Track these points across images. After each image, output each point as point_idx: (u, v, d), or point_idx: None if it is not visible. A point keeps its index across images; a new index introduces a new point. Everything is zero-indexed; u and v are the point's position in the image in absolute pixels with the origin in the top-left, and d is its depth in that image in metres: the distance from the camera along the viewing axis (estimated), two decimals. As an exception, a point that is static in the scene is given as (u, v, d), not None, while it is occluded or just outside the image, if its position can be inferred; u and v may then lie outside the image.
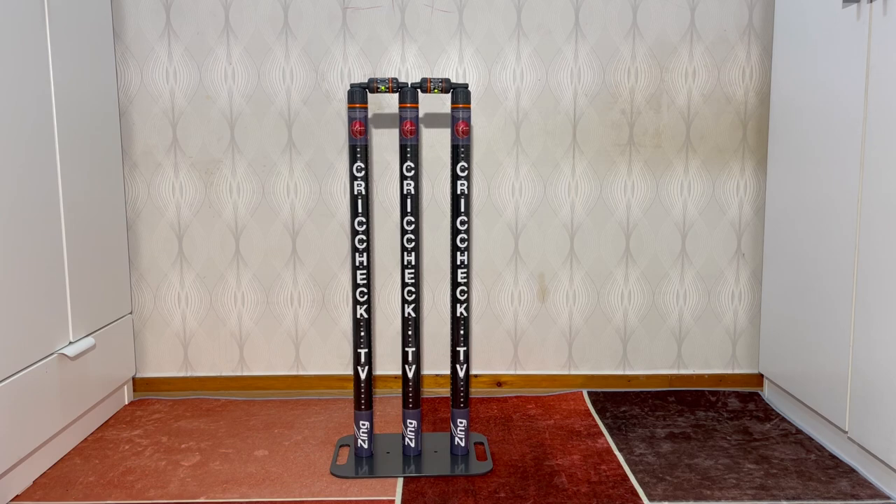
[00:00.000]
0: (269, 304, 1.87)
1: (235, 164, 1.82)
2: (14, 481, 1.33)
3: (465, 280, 1.43)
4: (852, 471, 1.41)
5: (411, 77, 1.80)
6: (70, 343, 1.50)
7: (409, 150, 1.38)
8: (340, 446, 1.53)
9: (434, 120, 1.81)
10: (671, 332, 1.90)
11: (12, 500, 1.31)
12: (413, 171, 1.39)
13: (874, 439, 1.34)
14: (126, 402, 1.81)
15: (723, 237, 1.86)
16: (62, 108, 1.47)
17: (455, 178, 1.40)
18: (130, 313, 1.80)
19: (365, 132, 1.38)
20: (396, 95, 1.79)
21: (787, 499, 1.29)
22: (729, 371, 1.91)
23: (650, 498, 1.29)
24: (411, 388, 1.45)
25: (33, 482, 1.38)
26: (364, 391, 1.44)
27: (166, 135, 1.81)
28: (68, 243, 1.49)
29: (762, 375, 1.90)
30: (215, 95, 1.80)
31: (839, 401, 1.45)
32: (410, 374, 1.45)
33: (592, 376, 1.91)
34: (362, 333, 1.43)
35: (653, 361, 1.91)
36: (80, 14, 1.55)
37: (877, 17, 1.31)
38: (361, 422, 1.45)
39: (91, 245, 1.59)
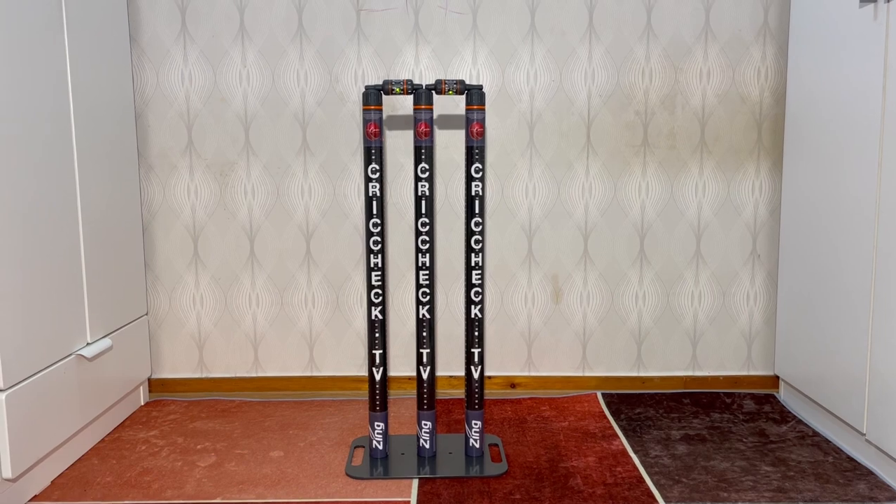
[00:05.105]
0: (283, 305, 1.87)
1: (250, 165, 1.83)
2: (32, 481, 1.34)
3: (480, 281, 1.43)
4: (870, 473, 1.40)
5: (425, 79, 1.81)
6: (87, 344, 1.51)
7: (424, 152, 1.39)
8: (355, 447, 1.53)
9: (447, 121, 1.82)
10: (686, 334, 1.89)
11: (31, 500, 1.32)
12: (427, 173, 1.39)
13: (893, 441, 1.33)
14: (142, 403, 1.82)
15: (738, 238, 1.85)
16: (79, 111, 1.48)
17: (469, 179, 1.40)
18: (146, 315, 1.81)
19: (380, 134, 1.38)
20: (411, 97, 1.80)
21: (805, 501, 1.28)
22: (744, 373, 1.90)
23: (666, 500, 1.29)
24: (426, 390, 1.45)
25: (51, 482, 1.39)
26: (379, 392, 1.45)
27: (181, 137, 1.82)
28: (85, 245, 1.50)
29: (778, 377, 1.88)
30: (230, 98, 1.81)
31: (857, 403, 1.44)
32: (425, 376, 1.45)
33: (607, 378, 1.90)
34: (377, 335, 1.43)
35: (667, 363, 1.90)
36: (97, 18, 1.56)
37: (894, 17, 1.30)
38: (376, 423, 1.45)
39: (107, 247, 1.60)
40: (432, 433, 1.47)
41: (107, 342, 1.56)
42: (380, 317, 1.43)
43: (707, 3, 1.78)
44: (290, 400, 1.85)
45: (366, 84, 1.74)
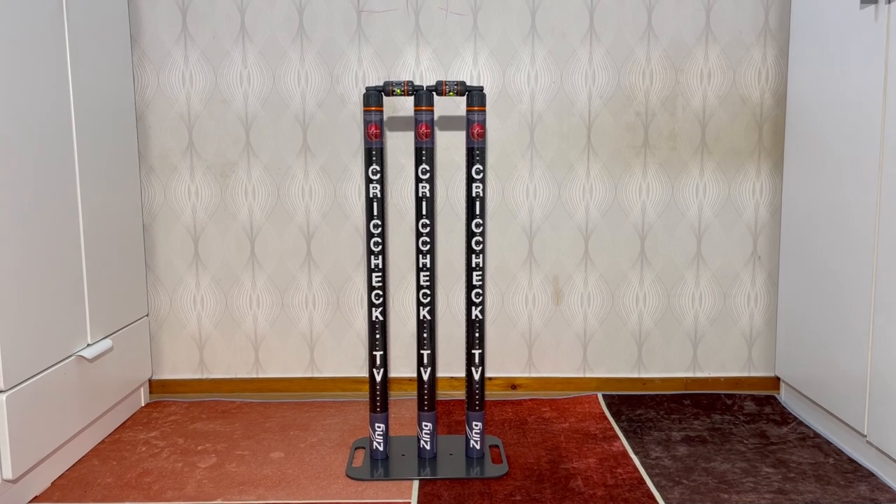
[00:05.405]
0: (283, 306, 1.87)
1: (251, 167, 1.83)
2: (33, 483, 1.34)
3: (480, 283, 1.43)
4: (871, 475, 1.40)
5: (426, 80, 1.81)
6: (88, 345, 1.51)
7: (425, 153, 1.39)
8: (356, 448, 1.53)
9: (448, 123, 1.82)
10: (686, 335, 1.89)
11: (31, 501, 1.32)
12: (428, 174, 1.39)
13: (894, 443, 1.33)
14: (143, 404, 1.82)
15: (739, 239, 1.85)
16: (80, 113, 1.48)
17: (470, 180, 1.40)
18: (146, 316, 1.81)
19: (380, 135, 1.38)
20: (411, 98, 1.80)
21: (806, 503, 1.28)
22: (745, 374, 1.90)
23: (667, 501, 1.29)
24: (427, 391, 1.45)
25: (52, 483, 1.39)
26: (379, 393, 1.45)
27: (182, 138, 1.82)
28: (86, 246, 1.50)
29: (779, 378, 1.88)
30: (231, 99, 1.81)
31: (858, 404, 1.44)
32: (426, 377, 1.45)
33: (607, 379, 1.90)
34: (377, 336, 1.43)
35: (668, 364, 1.90)
36: (98, 19, 1.56)
37: (895, 19, 1.30)
38: (377, 424, 1.45)
39: (108, 248, 1.60)
40: (433, 434, 1.47)
41: (107, 343, 1.56)
42: (380, 318, 1.43)
43: (708, 5, 1.78)
44: (290, 401, 1.85)
45: (366, 85, 1.74)
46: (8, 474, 1.24)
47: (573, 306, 1.88)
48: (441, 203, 1.84)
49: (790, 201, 1.71)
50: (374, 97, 1.37)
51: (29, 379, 1.30)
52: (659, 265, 1.87)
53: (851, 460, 1.46)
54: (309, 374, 1.90)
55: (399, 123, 1.81)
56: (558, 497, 1.31)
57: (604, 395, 1.85)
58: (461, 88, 1.39)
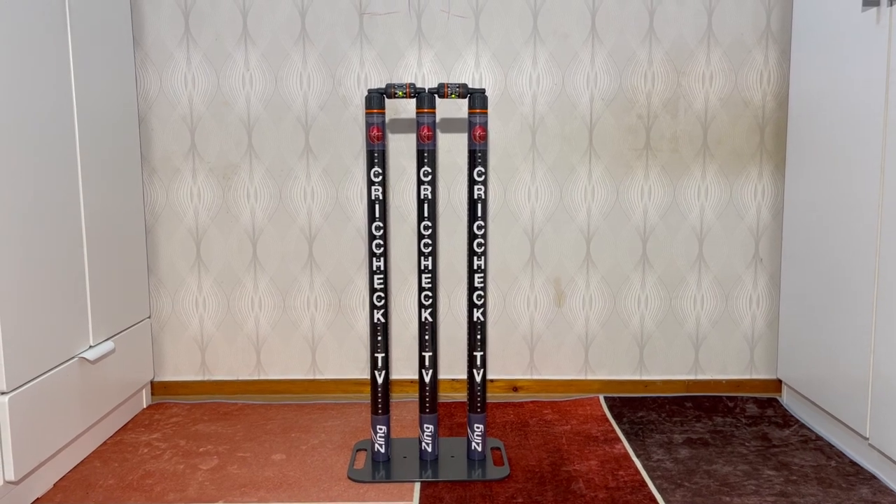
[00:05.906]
0: (285, 308, 1.88)
1: (253, 169, 1.83)
2: (35, 484, 1.34)
3: (482, 284, 1.43)
4: (873, 477, 1.40)
5: (428, 82, 1.81)
6: (90, 347, 1.51)
7: (427, 156, 1.39)
8: (357, 450, 1.53)
9: (450, 125, 1.82)
10: (688, 337, 1.89)
11: (33, 502, 1.33)
12: (430, 176, 1.39)
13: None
14: (144, 406, 1.82)
15: (740, 242, 1.85)
16: (83, 115, 1.48)
17: (472, 182, 1.40)
18: (149, 317, 1.81)
19: (382, 137, 1.38)
20: (413, 101, 1.80)
21: (808, 506, 1.28)
22: (747, 376, 1.90)
23: (668, 504, 1.29)
24: (428, 393, 1.45)
25: (54, 485, 1.39)
26: (381, 395, 1.45)
27: (185, 140, 1.82)
28: (89, 248, 1.50)
29: (781, 381, 1.88)
30: (233, 101, 1.81)
31: (860, 407, 1.44)
32: (427, 379, 1.45)
33: (609, 381, 1.90)
34: (379, 338, 1.43)
35: (670, 366, 1.90)
36: (101, 21, 1.56)
37: (897, 21, 1.30)
38: (378, 426, 1.45)
39: (111, 250, 1.60)
40: (434, 436, 1.47)
41: (109, 345, 1.56)
42: (382, 320, 1.43)
43: (709, 7, 1.78)
44: (292, 403, 1.85)
45: (368, 87, 1.75)
46: (10, 476, 1.24)
47: (575, 308, 1.88)
48: (443, 205, 1.85)
49: (792, 203, 1.71)
50: (376, 99, 1.37)
51: (31, 381, 1.30)
52: (661, 267, 1.86)
53: (853, 463, 1.46)
54: (310, 376, 1.90)
55: (401, 126, 1.82)
56: (560, 499, 1.31)
57: (605, 398, 1.85)
58: (463, 91, 1.39)
